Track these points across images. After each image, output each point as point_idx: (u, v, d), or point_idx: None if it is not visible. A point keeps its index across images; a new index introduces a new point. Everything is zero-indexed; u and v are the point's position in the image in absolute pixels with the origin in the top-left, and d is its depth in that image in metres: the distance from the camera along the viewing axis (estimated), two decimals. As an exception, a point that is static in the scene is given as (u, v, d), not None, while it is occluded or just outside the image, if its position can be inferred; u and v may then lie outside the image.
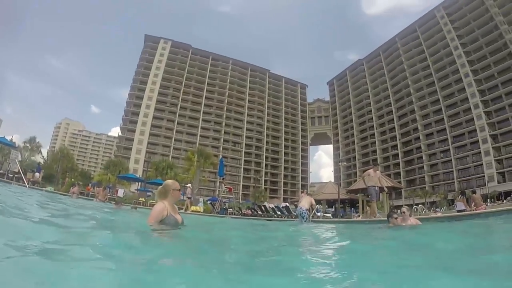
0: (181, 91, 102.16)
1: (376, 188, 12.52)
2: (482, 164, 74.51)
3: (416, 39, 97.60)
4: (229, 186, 31.13)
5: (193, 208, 24.38)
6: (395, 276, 2.20)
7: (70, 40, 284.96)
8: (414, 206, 46.09)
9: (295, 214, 19.93)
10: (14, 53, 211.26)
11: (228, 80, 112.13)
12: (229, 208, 27.45)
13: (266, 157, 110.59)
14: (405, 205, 12.30)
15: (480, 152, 75.68)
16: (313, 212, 15.09)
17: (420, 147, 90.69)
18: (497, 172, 71.44)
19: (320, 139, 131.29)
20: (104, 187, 23.73)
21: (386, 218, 8.01)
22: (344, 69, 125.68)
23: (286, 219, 20.37)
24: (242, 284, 1.98)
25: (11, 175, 22.30)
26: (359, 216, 28.75)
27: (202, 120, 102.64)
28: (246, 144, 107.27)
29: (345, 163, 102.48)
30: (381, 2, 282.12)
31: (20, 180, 20.88)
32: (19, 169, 23.03)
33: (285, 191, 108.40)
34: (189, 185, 26.43)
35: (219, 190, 41.86)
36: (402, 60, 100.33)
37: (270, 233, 7.51)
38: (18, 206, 6.14)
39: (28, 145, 64.86)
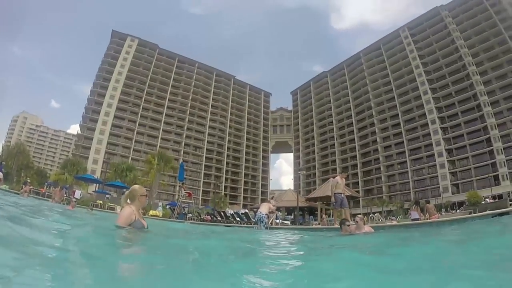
0: (145, 91, 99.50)
1: (342, 195, 12.11)
2: (437, 176, 79.04)
3: (380, 56, 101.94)
4: (189, 191, 30.78)
5: (152, 212, 24.24)
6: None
7: (35, 29, 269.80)
8: (371, 215, 47.90)
9: (254, 220, 20.26)
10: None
11: (193, 84, 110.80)
12: (189, 213, 27.33)
13: (227, 163, 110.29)
14: (363, 213, 12.78)
15: (435, 165, 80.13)
16: (272, 219, 15.18)
17: (378, 158, 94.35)
18: (451, 184, 76.19)
19: (281, 147, 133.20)
20: (61, 187, 23.06)
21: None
22: (309, 80, 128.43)
23: (245, 225, 20.46)
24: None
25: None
26: (318, 224, 29.65)
27: (164, 122, 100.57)
28: (207, 149, 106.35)
29: (304, 171, 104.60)
30: (349, 18, 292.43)
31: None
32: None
33: (245, 198, 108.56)
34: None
35: (178, 195, 41.50)
36: (365, 75, 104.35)
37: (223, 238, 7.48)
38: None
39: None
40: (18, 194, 18.79)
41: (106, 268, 2.47)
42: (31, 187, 24.40)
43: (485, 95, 75.51)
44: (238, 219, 24.52)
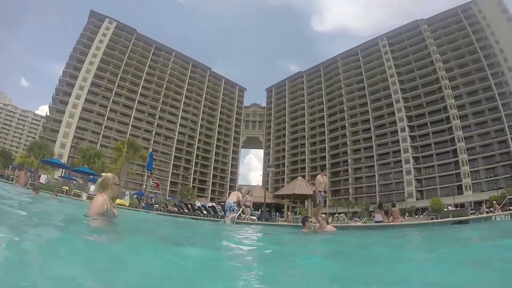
0: (119, 76, 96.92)
1: (322, 193, 12.54)
2: (403, 182, 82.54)
3: (357, 61, 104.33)
4: (157, 181, 30.61)
5: (118, 201, 24.14)
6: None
7: (7, 2, 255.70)
8: (336, 215, 49.23)
9: (221, 214, 20.60)
10: None
11: (168, 72, 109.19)
12: (156, 204, 27.35)
13: (197, 155, 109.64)
14: (329, 213, 13.27)
15: (402, 171, 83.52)
16: (241, 210, 15.19)
17: (347, 161, 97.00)
18: (416, 190, 79.66)
19: (252, 142, 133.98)
20: (26, 170, 22.59)
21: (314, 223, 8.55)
22: (284, 79, 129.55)
23: (211, 218, 20.68)
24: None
25: None
26: (284, 220, 30.35)
27: (136, 110, 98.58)
28: (178, 140, 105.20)
29: (273, 168, 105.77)
30: (330, 21, 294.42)
31: None
32: None
33: (213, 191, 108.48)
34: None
35: (146, 185, 41.37)
36: (341, 78, 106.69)
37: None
38: None
39: None
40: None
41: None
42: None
43: (455, 108, 79.40)
44: (205, 212, 24.84)
